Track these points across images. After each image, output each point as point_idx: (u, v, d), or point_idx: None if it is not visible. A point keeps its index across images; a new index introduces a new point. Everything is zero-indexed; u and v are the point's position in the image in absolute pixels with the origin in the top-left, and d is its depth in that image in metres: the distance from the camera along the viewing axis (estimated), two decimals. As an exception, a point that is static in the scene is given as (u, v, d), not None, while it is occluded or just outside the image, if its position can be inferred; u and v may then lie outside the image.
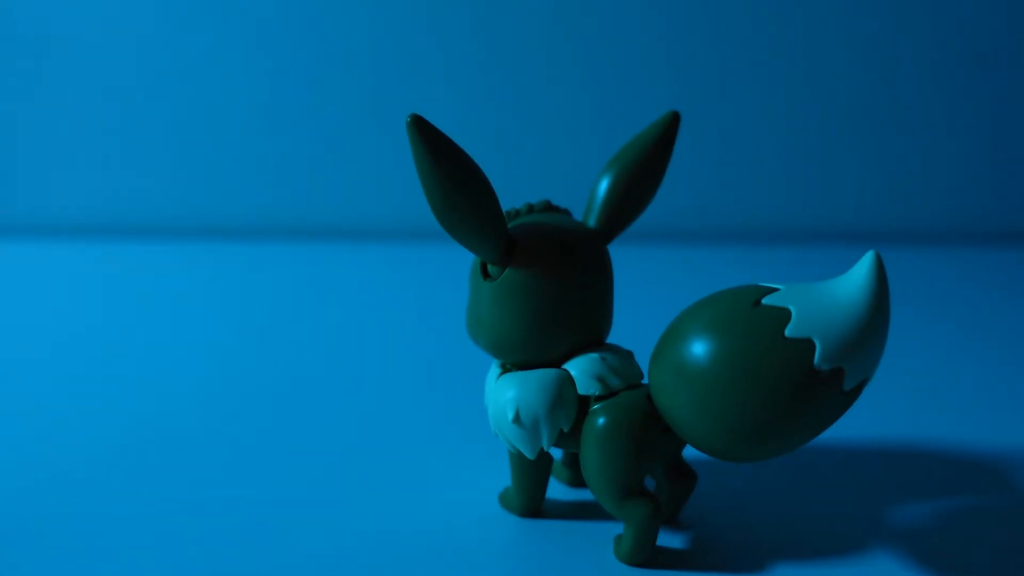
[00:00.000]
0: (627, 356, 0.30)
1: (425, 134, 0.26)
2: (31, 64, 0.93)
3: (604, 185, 0.31)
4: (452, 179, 0.26)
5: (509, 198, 1.03)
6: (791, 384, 0.23)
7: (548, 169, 0.98)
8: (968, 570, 0.28)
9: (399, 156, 0.95)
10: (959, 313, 0.63)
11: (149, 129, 0.96)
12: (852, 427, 0.41)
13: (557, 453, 0.36)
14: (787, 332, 0.23)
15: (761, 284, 0.26)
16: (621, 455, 0.27)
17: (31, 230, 0.97)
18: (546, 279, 0.28)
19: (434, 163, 0.26)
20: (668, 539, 0.30)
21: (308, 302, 0.65)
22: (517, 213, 0.31)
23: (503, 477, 0.35)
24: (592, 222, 0.31)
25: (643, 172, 0.31)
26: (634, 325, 0.57)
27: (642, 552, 0.28)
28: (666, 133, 0.31)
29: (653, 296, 0.67)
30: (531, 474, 0.30)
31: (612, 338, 0.51)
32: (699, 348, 0.25)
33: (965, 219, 1.02)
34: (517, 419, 0.28)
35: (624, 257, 0.83)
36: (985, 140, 1.00)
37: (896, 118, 0.99)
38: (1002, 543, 0.30)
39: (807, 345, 0.23)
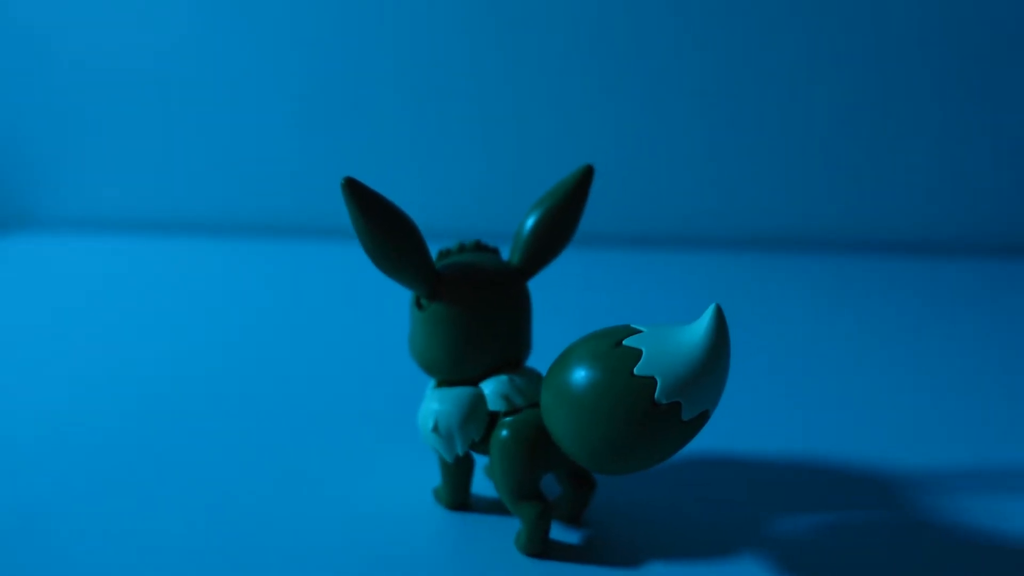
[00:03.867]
0: (535, 378, 0.35)
1: (358, 196, 0.31)
2: (45, 63, 1.01)
3: (526, 227, 0.36)
4: (384, 233, 0.31)
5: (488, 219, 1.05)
6: (636, 413, 0.28)
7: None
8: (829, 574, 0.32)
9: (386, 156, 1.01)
10: (874, 323, 0.65)
11: (153, 129, 1.03)
12: (749, 439, 0.45)
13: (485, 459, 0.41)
14: (635, 370, 0.28)
15: (633, 325, 0.30)
16: (517, 463, 0.32)
17: (38, 224, 1.06)
18: (466, 312, 0.33)
19: (367, 220, 0.31)
20: (569, 536, 0.35)
21: (282, 300, 0.72)
22: (449, 252, 0.36)
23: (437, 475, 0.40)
24: (516, 259, 0.36)
25: (560, 218, 0.36)
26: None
27: (534, 545, 0.33)
28: (580, 184, 0.36)
29: (646, 301, 0.72)
30: (455, 473, 0.36)
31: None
32: (572, 377, 0.30)
33: (939, 230, 1.01)
34: (436, 429, 0.34)
35: (608, 262, 0.87)
36: (977, 148, 0.99)
37: (886, 128, 0.99)
38: (871, 553, 0.34)
39: (650, 382, 0.28)
